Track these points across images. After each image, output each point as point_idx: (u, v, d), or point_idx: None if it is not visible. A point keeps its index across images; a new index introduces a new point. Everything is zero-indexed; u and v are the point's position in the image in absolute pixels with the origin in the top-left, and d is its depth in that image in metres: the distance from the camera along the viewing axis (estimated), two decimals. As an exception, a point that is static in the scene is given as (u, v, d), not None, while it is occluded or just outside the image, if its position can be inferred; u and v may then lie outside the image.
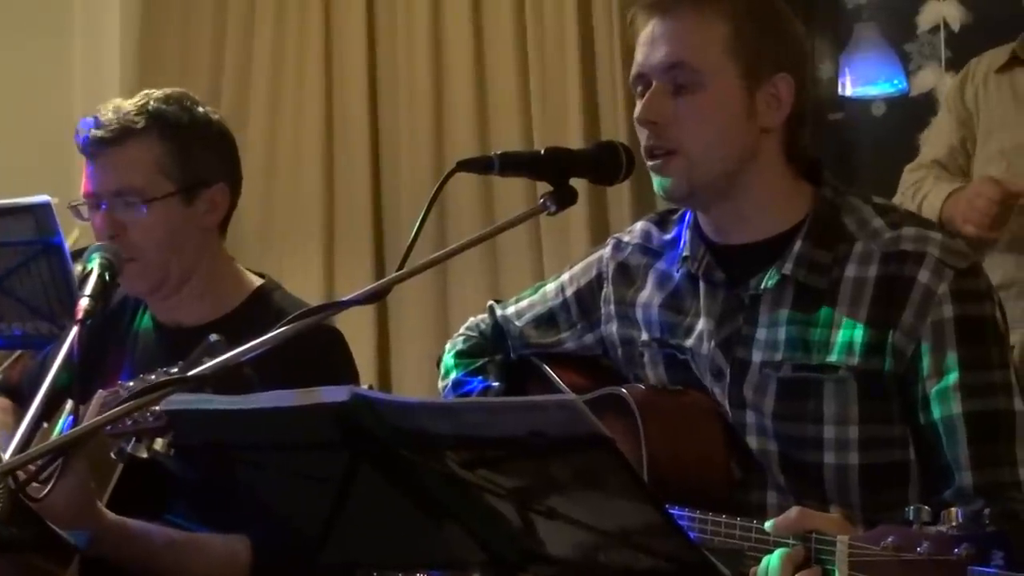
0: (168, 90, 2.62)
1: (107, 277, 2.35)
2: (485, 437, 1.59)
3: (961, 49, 4.22)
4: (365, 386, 1.99)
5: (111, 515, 2.30)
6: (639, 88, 2.20)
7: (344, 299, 1.93)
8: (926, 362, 2.08)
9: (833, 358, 2.12)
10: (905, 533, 1.70)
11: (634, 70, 2.21)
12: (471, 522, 1.71)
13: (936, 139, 3.77)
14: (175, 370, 2.15)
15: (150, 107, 2.55)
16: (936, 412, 2.07)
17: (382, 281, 1.97)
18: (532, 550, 1.71)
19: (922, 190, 3.64)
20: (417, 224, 1.95)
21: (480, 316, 2.63)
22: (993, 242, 3.52)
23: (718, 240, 2.25)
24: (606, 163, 2.12)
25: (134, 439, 2.17)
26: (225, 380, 1.83)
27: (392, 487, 1.71)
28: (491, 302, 2.63)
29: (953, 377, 2.06)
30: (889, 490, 2.11)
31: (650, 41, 2.18)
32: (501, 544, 1.72)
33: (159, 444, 2.16)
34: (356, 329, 3.75)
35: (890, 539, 1.71)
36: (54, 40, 5.01)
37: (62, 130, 2.65)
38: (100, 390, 2.31)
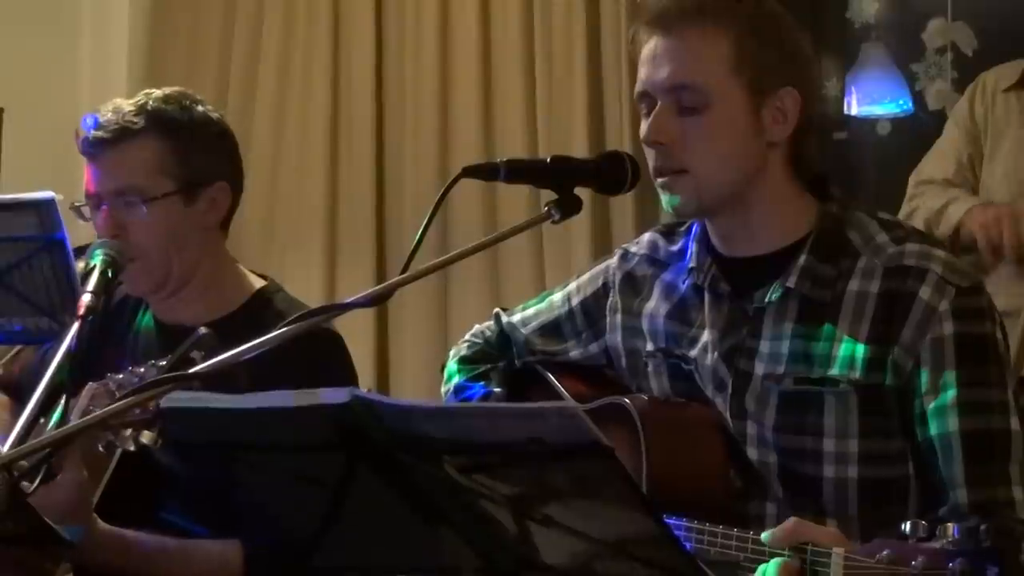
0: (168, 89, 2.62)
1: (109, 274, 2.36)
2: (484, 442, 1.59)
3: (968, 69, 4.21)
4: (364, 390, 1.98)
5: (103, 524, 2.30)
6: (644, 106, 2.20)
7: (346, 301, 1.92)
8: (924, 379, 2.08)
9: (835, 372, 2.12)
10: (900, 547, 1.70)
11: (638, 87, 2.20)
12: (467, 528, 1.71)
13: (944, 155, 3.73)
14: (163, 363, 2.15)
15: (149, 107, 2.56)
16: (933, 429, 2.08)
17: (385, 284, 1.96)
18: (527, 557, 1.71)
19: (944, 198, 3.60)
20: (422, 228, 1.95)
21: (486, 323, 2.62)
22: (994, 265, 3.51)
23: (725, 252, 2.25)
24: (612, 173, 2.11)
25: (121, 431, 2.17)
26: (215, 377, 1.82)
27: (388, 491, 1.71)
28: (497, 309, 2.63)
29: (951, 395, 2.07)
30: (888, 505, 2.11)
31: (653, 59, 2.17)
32: (496, 551, 1.72)
33: (146, 436, 2.16)
34: (356, 333, 3.74)
35: (885, 552, 1.71)
36: (62, 39, 5.01)
37: (69, 128, 2.65)
38: (90, 383, 2.31)
